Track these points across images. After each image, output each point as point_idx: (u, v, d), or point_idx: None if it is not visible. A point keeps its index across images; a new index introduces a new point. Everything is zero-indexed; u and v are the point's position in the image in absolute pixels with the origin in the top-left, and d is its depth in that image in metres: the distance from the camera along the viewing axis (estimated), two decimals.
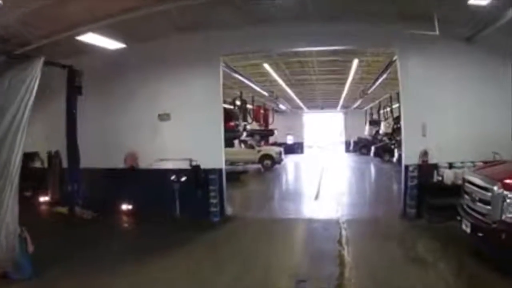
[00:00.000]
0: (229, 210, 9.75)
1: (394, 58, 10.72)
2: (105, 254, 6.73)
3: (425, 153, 8.60)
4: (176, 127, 9.55)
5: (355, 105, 29.38)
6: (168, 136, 9.60)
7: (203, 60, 9.39)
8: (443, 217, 8.03)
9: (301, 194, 13.27)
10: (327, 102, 30.48)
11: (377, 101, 26.05)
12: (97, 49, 8.93)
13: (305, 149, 38.12)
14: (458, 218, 6.46)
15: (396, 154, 18.81)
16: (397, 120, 20.51)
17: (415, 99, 8.86)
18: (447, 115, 8.75)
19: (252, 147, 21.46)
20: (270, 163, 21.10)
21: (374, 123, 28.00)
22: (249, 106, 24.30)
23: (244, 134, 17.30)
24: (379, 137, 27.54)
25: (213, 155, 9.36)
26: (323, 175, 18.49)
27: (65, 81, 9.35)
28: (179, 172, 9.27)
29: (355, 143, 33.91)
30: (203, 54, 9.35)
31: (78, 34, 7.66)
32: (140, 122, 9.86)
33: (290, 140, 36.76)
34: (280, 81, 17.33)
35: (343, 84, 19.41)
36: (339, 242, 7.22)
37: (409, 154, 8.85)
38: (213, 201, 9.10)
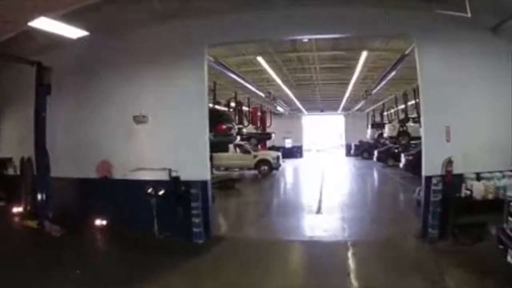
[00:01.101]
0: (217, 229, 8.35)
1: (407, 52, 9.49)
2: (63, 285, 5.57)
3: (449, 162, 7.20)
4: (154, 131, 8.19)
5: (357, 107, 28.05)
6: (145, 141, 8.28)
7: (186, 53, 8.02)
8: (472, 238, 6.83)
9: (301, 206, 11.76)
10: (327, 104, 29.20)
11: (380, 103, 24.79)
12: (68, 44, 7.79)
13: (304, 153, 36.82)
14: (501, 246, 5.14)
15: (403, 159, 17.42)
16: (402, 122, 19.24)
17: (437, 98, 7.49)
18: (474, 117, 7.44)
19: (247, 151, 20.02)
20: (267, 169, 19.66)
21: (377, 126, 26.77)
22: (245, 108, 23.24)
23: (238, 138, 15.89)
24: (382, 141, 26.25)
25: (196, 164, 7.89)
26: (324, 182, 17.10)
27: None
28: (157, 184, 7.88)
29: (356, 146, 32.56)
30: (185, 45, 8.00)
31: (28, 20, 6.26)
32: (114, 125, 8.68)
33: (288, 143, 35.58)
34: (278, 80, 16.00)
35: (346, 84, 18.09)
36: (349, 275, 5.80)
37: (430, 163, 7.46)
38: (196, 220, 7.62)
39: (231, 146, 20.02)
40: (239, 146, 20.38)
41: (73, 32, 6.97)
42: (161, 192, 7.78)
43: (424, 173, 7.57)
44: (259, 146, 26.40)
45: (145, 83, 8.32)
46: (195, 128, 7.94)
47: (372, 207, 11.61)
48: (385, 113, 24.70)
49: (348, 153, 34.64)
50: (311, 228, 8.92)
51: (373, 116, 28.69)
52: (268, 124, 28.43)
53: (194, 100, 7.98)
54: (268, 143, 29.31)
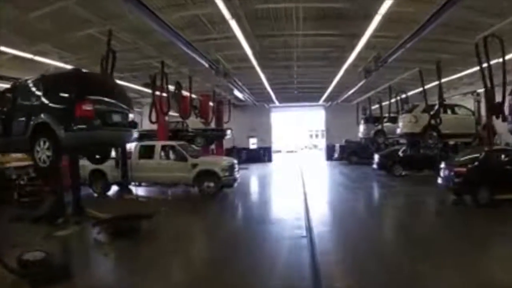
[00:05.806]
0: None
1: None
2: None
3: None
4: None
5: (348, 94, 20.64)
6: None
7: None
8: None
9: None
10: (307, 91, 21.95)
11: (380, 88, 17.65)
12: None
13: (273, 155, 29.32)
14: None
15: (444, 172, 10.11)
16: (437, 111, 11.98)
17: None
18: None
19: (183, 158, 12.20)
20: (212, 186, 11.86)
21: (374, 120, 19.54)
22: (193, 96, 15.79)
23: (136, 132, 8.08)
24: (380, 141, 19.10)
25: None
26: (313, 214, 9.46)
27: None
28: None
29: (342, 148, 25.18)
30: None
31: None
32: None
33: (253, 144, 28.10)
34: (236, 30, 8.42)
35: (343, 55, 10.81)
36: None
37: None
38: None
39: (157, 151, 12.33)
40: (172, 148, 12.61)
41: None
42: None
43: None
44: (213, 148, 19.07)
45: None
46: None
47: None
48: (386, 103, 17.64)
49: (330, 157, 27.14)
50: None
51: (365, 109, 21.52)
52: (226, 119, 20.94)
53: None
54: (226, 144, 22.01)
